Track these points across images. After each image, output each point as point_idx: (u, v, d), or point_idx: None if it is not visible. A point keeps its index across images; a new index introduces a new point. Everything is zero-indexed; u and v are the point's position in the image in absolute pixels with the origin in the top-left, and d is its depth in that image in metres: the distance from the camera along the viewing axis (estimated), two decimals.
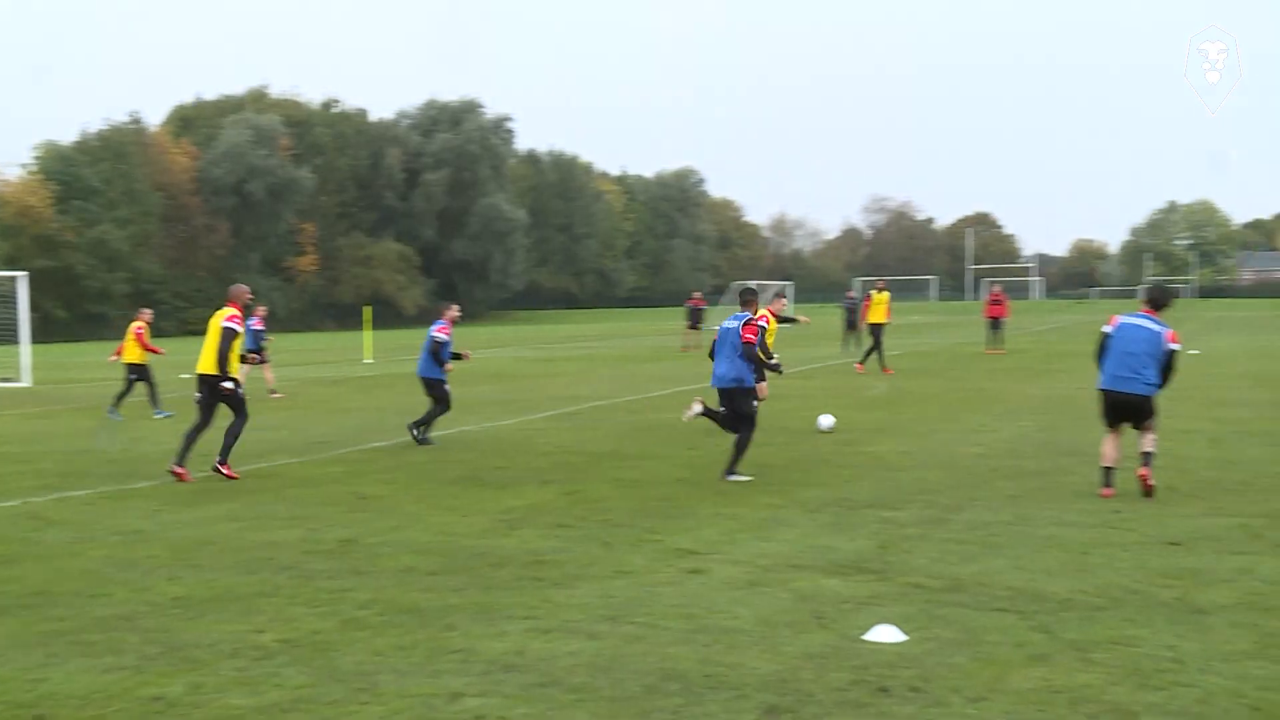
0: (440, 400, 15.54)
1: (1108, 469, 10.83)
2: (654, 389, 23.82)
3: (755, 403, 12.22)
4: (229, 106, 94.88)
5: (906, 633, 6.39)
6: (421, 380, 15.73)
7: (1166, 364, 10.72)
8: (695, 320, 41.25)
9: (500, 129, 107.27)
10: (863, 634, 6.40)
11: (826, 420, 15.96)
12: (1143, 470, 10.61)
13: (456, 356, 15.76)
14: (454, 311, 16.17)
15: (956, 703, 5.40)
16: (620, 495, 11.23)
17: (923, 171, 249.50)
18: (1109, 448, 10.92)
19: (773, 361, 12.93)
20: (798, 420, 17.35)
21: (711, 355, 12.57)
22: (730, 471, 12.05)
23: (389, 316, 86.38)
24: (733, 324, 12.28)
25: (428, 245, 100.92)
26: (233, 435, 12.80)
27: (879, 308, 29.00)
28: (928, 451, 13.83)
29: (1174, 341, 10.75)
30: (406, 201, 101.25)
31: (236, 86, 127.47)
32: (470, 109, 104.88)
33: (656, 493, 11.32)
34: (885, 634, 6.36)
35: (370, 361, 36.52)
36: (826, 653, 6.15)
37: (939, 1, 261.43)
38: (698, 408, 12.44)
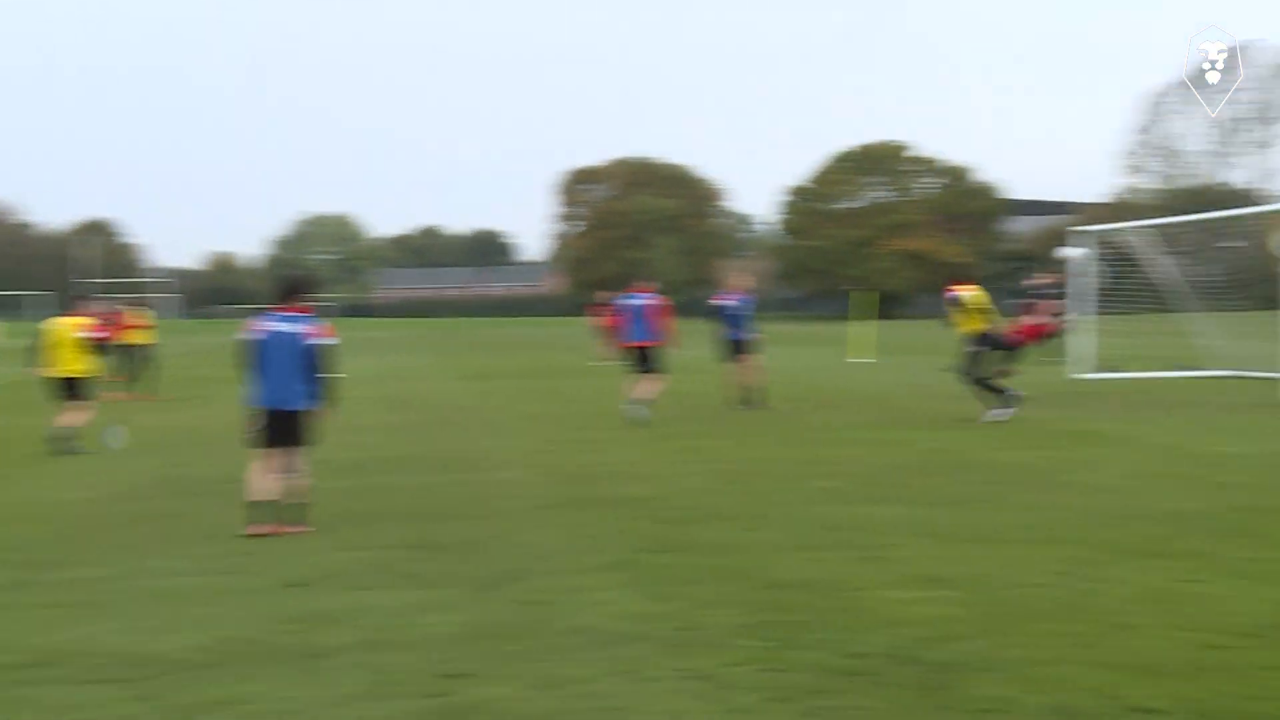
0: None
1: (258, 503, 10.81)
2: None
3: None
4: None
5: None
6: None
7: (313, 364, 10.83)
8: None
9: None
10: None
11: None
12: (280, 528, 10.72)
13: None
14: None
15: None
16: None
17: (26, 171, 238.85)
18: (259, 477, 10.90)
19: None
20: None
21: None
22: None
23: None
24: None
25: None
26: None
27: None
28: (16, 502, 13.11)
29: (316, 336, 10.86)
30: None
31: None
32: None
33: None
34: None
35: None
36: None
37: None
38: None
